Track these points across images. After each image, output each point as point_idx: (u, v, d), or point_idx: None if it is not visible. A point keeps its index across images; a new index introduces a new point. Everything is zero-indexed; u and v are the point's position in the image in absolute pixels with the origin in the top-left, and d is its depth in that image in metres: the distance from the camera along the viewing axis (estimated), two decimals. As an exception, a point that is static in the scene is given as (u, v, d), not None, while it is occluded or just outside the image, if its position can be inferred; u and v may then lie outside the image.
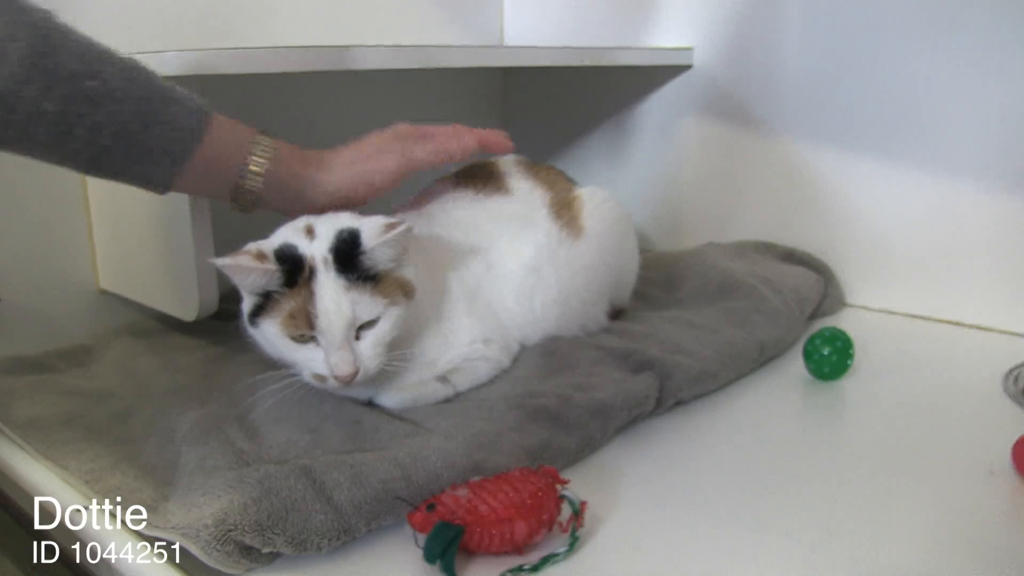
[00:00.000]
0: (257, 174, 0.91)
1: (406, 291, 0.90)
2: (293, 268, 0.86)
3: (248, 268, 0.85)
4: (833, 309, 1.37)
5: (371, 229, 0.89)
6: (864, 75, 1.35)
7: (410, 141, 1.00)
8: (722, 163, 1.56)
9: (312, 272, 0.86)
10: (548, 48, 1.31)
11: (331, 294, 0.85)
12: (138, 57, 0.87)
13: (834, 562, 0.71)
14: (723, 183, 1.57)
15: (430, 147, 1.00)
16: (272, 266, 0.86)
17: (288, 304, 0.86)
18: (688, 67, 1.57)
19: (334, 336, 0.85)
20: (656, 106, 1.65)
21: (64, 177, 1.24)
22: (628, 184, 1.68)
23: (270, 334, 0.87)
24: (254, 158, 0.91)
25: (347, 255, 0.87)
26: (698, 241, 1.57)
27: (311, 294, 0.85)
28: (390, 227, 0.88)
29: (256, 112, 1.45)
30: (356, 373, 0.86)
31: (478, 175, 1.13)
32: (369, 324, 0.88)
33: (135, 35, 1.23)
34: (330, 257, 0.87)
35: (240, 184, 0.91)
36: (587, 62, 1.38)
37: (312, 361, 0.87)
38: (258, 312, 0.88)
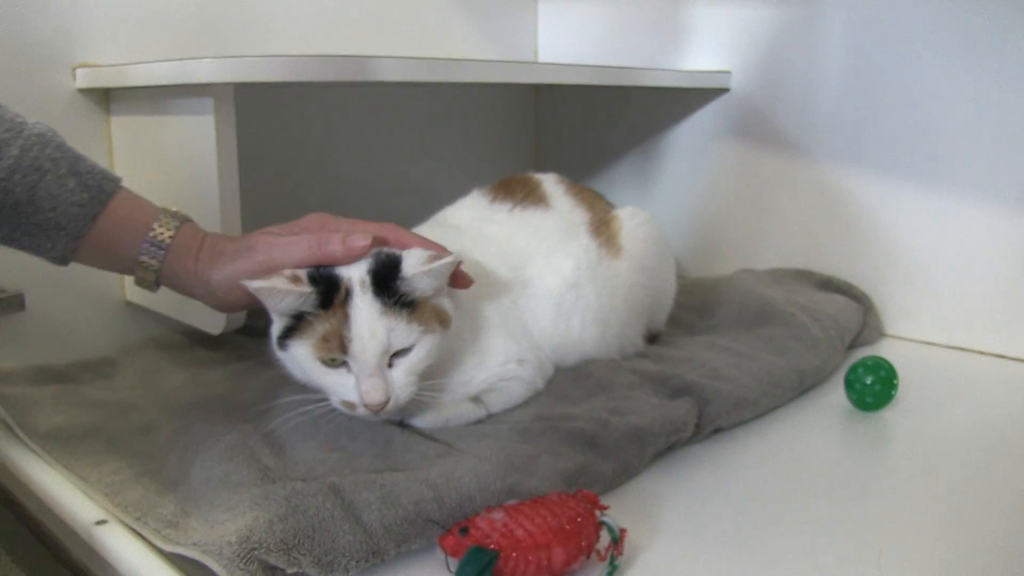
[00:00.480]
0: (150, 262, 0.88)
1: (442, 320, 0.87)
2: (328, 289, 0.83)
3: (283, 291, 0.82)
4: (872, 339, 1.34)
5: (414, 257, 0.86)
6: (904, 100, 1.32)
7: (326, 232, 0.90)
8: (757, 188, 1.54)
9: (348, 294, 0.83)
10: (581, 66, 1.29)
11: (367, 318, 0.82)
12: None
13: None
14: (758, 209, 1.54)
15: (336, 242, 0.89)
16: (307, 288, 0.82)
17: (321, 327, 0.82)
18: (725, 90, 1.55)
19: (367, 362, 0.82)
20: (690, 130, 1.62)
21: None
22: (660, 208, 1.65)
23: (300, 357, 0.84)
24: (149, 247, 0.87)
25: (385, 278, 0.84)
26: (731, 268, 1.54)
27: (346, 317, 0.82)
28: (434, 258, 0.85)
29: (285, 127, 1.46)
30: (387, 402, 0.83)
31: (517, 188, 1.11)
32: (403, 352, 0.84)
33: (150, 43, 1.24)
34: (368, 279, 0.84)
35: (139, 264, 0.88)
36: (622, 82, 1.35)
37: (342, 387, 0.84)
38: (288, 335, 0.84)
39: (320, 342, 0.82)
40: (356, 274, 0.84)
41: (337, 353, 0.82)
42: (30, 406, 0.99)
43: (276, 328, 0.86)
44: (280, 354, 0.87)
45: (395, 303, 0.83)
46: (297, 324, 0.84)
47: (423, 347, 0.85)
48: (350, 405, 0.84)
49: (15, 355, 1.15)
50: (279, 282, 0.82)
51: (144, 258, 0.87)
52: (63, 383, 1.09)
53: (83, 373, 1.13)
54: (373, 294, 0.83)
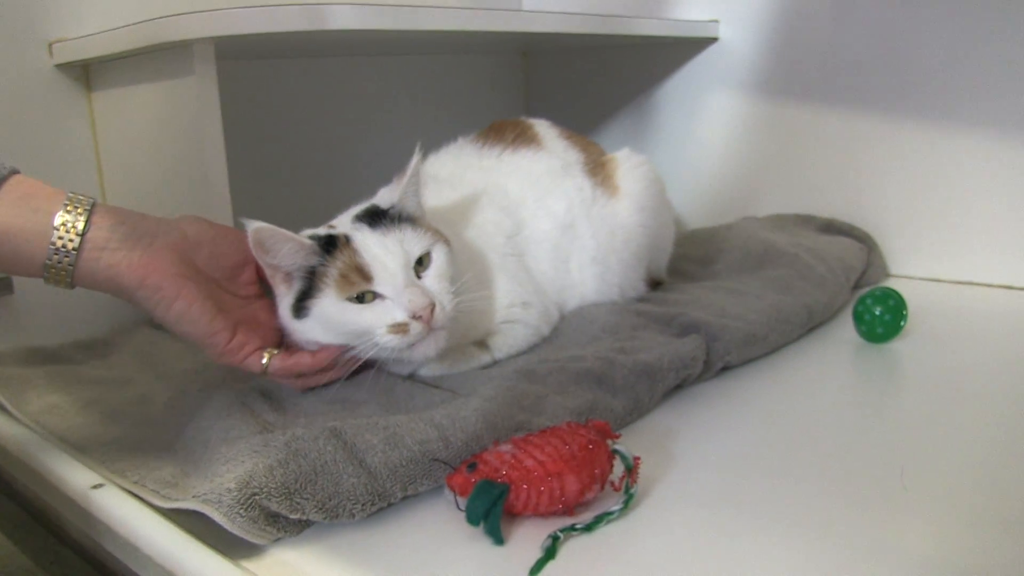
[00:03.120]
0: (62, 256, 0.73)
1: (442, 235, 0.86)
2: (329, 241, 0.82)
3: (284, 237, 0.80)
4: (877, 278, 1.31)
5: (384, 191, 0.87)
6: (901, 36, 1.29)
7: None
8: (753, 137, 1.51)
9: (347, 239, 0.82)
10: (568, 14, 1.26)
11: (375, 241, 0.81)
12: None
13: (890, 528, 0.64)
14: (755, 157, 1.52)
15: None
16: (308, 242, 0.81)
17: (335, 268, 0.80)
18: (714, 40, 1.52)
19: (396, 277, 0.80)
20: (681, 83, 1.60)
21: (81, 169, 1.21)
22: (656, 163, 1.61)
23: (327, 310, 0.81)
24: (59, 231, 0.72)
25: (374, 215, 0.84)
26: (731, 218, 1.51)
27: (355, 251, 0.81)
28: (400, 175, 0.85)
29: (276, 97, 1.44)
30: (433, 306, 0.80)
31: (507, 131, 1.08)
32: (423, 264, 0.83)
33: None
34: (360, 223, 0.84)
35: (49, 263, 0.73)
36: (611, 31, 1.32)
37: (384, 314, 0.80)
38: (305, 297, 0.82)
39: (341, 281, 0.80)
40: (345, 227, 0.84)
41: (362, 283, 0.80)
42: (23, 385, 0.96)
43: (288, 299, 0.83)
44: (300, 325, 0.83)
45: (393, 223, 0.83)
46: (311, 282, 0.81)
47: (440, 253, 0.84)
48: (401, 327, 0.80)
49: (5, 338, 1.12)
50: (282, 232, 0.80)
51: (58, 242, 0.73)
52: (57, 363, 1.06)
53: (77, 353, 1.11)
54: (370, 227, 0.83)
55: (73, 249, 0.73)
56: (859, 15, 1.33)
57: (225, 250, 0.83)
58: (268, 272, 0.83)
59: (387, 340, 0.80)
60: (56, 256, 0.72)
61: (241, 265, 0.85)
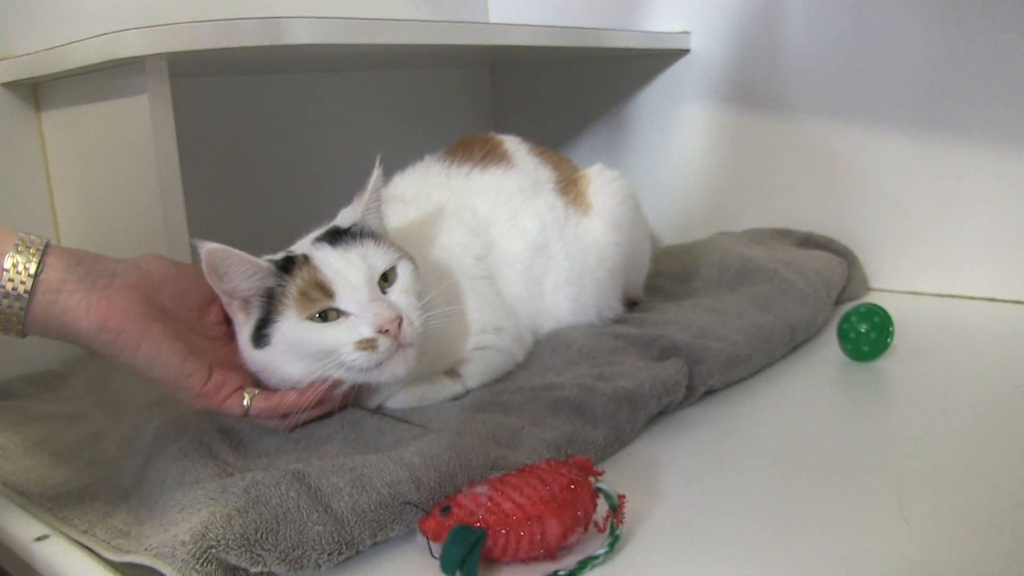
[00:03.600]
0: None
1: (408, 253, 0.82)
2: (286, 261, 0.78)
3: (238, 258, 0.75)
4: (858, 293, 1.28)
5: (346, 211, 0.83)
6: (876, 45, 1.27)
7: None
8: (728, 150, 1.48)
9: (307, 258, 0.78)
10: (537, 27, 1.22)
11: (337, 257, 0.78)
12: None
13: (883, 552, 0.61)
14: (730, 171, 1.49)
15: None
16: (264, 263, 0.77)
17: (294, 286, 0.76)
18: (686, 51, 1.50)
19: (359, 291, 0.76)
20: (654, 95, 1.57)
21: (30, 192, 1.16)
22: (630, 178, 1.58)
23: (289, 332, 0.76)
24: (8, 273, 0.67)
25: (335, 234, 0.80)
26: (708, 233, 1.48)
27: (314, 268, 0.77)
28: (360, 195, 0.83)
29: (234, 115, 1.39)
30: (401, 320, 0.75)
31: (475, 148, 1.04)
32: (389, 279, 0.79)
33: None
34: (320, 243, 0.80)
35: None
36: (580, 43, 1.29)
37: (350, 330, 0.75)
38: (266, 323, 0.77)
39: (301, 300, 0.76)
40: (304, 248, 0.80)
41: (324, 299, 0.76)
42: (-32, 424, 0.91)
43: (248, 329, 0.78)
44: (261, 355, 0.78)
45: (354, 239, 0.80)
46: (270, 304, 0.77)
47: (405, 268, 0.81)
48: (368, 343, 0.75)
49: (-49, 374, 1.07)
50: (236, 252, 0.75)
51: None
52: (4, 399, 1.01)
53: (27, 388, 1.06)
54: (331, 246, 0.79)
55: (25, 292, 0.67)
56: (833, 24, 1.31)
57: (189, 288, 0.78)
58: (225, 300, 0.78)
59: (354, 358, 0.75)
60: (6, 300, 0.67)
61: (207, 304, 0.80)
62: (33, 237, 0.69)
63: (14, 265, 0.67)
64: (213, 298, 0.80)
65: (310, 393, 0.77)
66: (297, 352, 0.76)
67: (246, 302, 0.78)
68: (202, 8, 1.24)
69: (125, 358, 0.71)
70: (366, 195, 0.82)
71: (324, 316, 0.76)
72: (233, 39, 0.89)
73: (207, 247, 0.73)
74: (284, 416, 0.78)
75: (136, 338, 0.71)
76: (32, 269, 0.67)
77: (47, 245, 0.69)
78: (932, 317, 1.19)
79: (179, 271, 0.78)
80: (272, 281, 0.77)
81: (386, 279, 0.79)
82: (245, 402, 0.76)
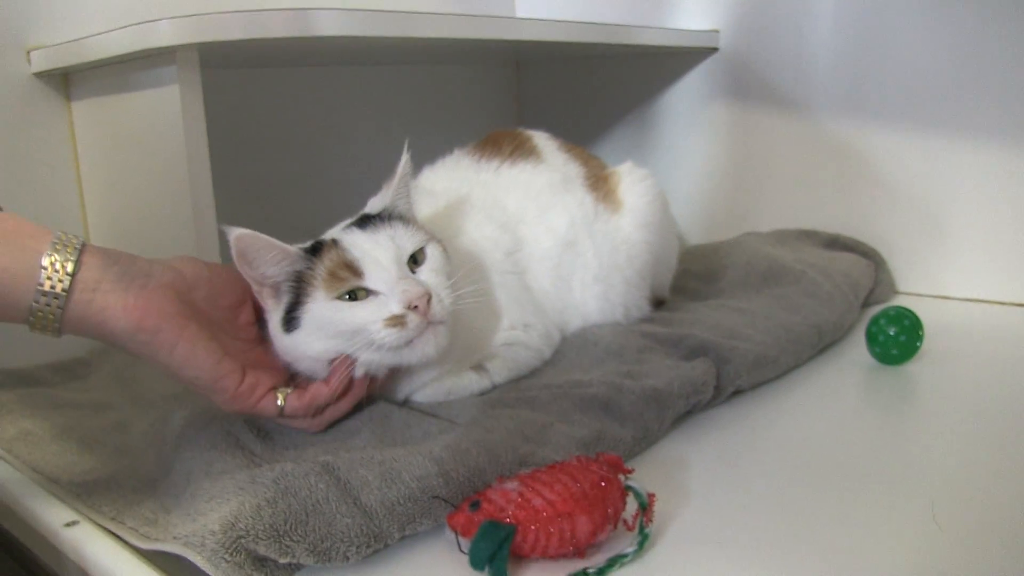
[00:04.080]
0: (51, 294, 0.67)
1: (437, 237, 0.83)
2: (315, 246, 0.78)
3: (267, 243, 0.75)
4: (885, 296, 1.27)
5: (374, 200, 0.84)
6: (904, 46, 1.26)
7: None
8: (755, 150, 1.47)
9: (335, 241, 0.78)
10: (563, 22, 1.21)
11: (365, 238, 0.78)
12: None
13: (914, 558, 0.60)
14: (757, 170, 1.48)
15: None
16: (292, 248, 0.77)
17: (322, 267, 0.76)
18: (714, 50, 1.49)
19: (388, 270, 0.76)
20: (681, 94, 1.56)
21: (60, 181, 1.16)
22: (655, 177, 1.59)
23: (318, 312, 0.75)
24: (46, 271, 0.66)
25: (364, 220, 0.81)
26: (734, 233, 1.47)
27: (343, 250, 0.77)
28: (389, 183, 0.83)
29: (263, 107, 1.39)
30: (429, 297, 0.75)
31: (504, 143, 1.04)
32: (417, 260, 0.79)
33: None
34: (350, 228, 0.80)
35: (35, 305, 0.67)
36: (608, 40, 1.28)
37: (378, 309, 0.75)
38: (296, 306, 0.76)
39: (330, 280, 0.75)
40: (334, 233, 0.80)
41: (352, 278, 0.75)
42: (-5, 410, 0.91)
43: (278, 314, 0.78)
44: (291, 339, 0.77)
45: (383, 222, 0.80)
46: (299, 287, 0.77)
47: (435, 250, 0.81)
48: (397, 320, 0.74)
49: (-22, 361, 1.07)
50: (264, 238, 0.75)
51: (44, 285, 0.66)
52: (31, 386, 1.02)
53: (53, 375, 1.06)
54: (359, 229, 0.79)
55: (63, 291, 0.66)
56: (861, 26, 1.30)
57: (222, 289, 0.78)
58: (255, 288, 0.78)
59: (384, 335, 0.74)
60: (44, 299, 0.66)
61: (239, 305, 0.80)
62: (70, 236, 0.68)
63: (52, 264, 0.66)
64: (245, 300, 0.80)
65: (334, 379, 0.76)
66: (327, 333, 0.76)
67: (276, 288, 0.78)
68: (233, -1, 1.25)
69: (161, 358, 0.71)
70: (395, 180, 0.82)
71: (354, 296, 0.76)
72: (263, 30, 0.89)
73: (236, 232, 0.73)
74: (316, 415, 0.78)
75: (172, 338, 0.70)
76: (70, 268, 0.67)
77: (83, 244, 0.68)
78: (961, 322, 1.18)
79: (212, 272, 0.78)
80: (301, 264, 0.77)
81: (415, 261, 0.79)
82: (279, 402, 0.76)
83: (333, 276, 0.75)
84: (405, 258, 0.78)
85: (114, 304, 0.68)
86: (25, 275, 0.65)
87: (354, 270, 0.76)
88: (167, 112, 0.96)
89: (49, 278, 0.66)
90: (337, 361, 0.77)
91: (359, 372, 0.78)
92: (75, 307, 0.67)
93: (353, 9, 0.95)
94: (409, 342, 0.76)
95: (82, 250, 0.68)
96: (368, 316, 0.75)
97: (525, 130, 1.07)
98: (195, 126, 0.95)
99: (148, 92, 0.99)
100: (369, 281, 0.76)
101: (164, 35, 0.89)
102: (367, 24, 0.97)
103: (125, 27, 0.93)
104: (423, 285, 0.76)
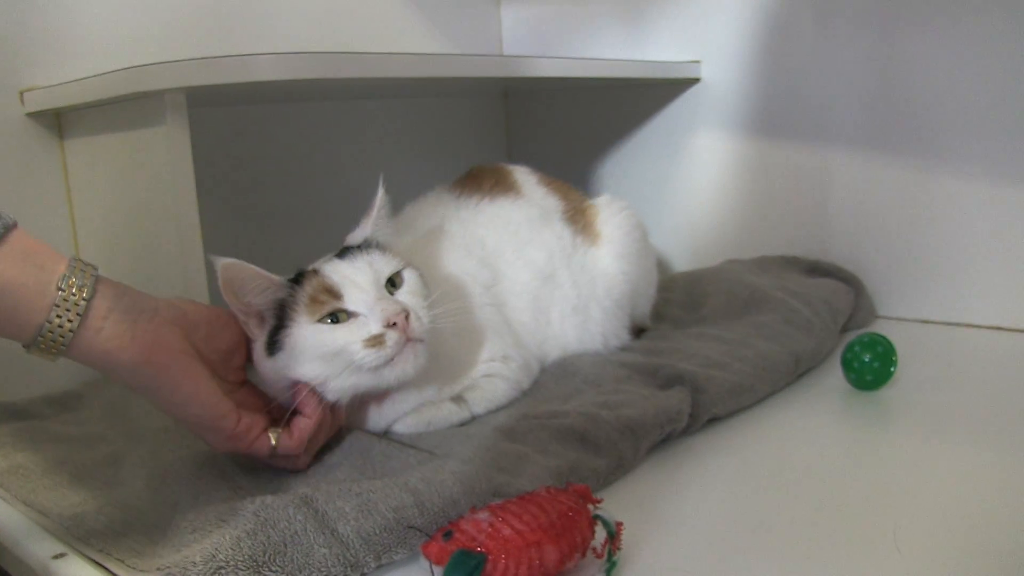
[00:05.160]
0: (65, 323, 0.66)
1: (414, 264, 0.86)
2: (297, 275, 0.82)
3: (252, 272, 0.78)
4: (865, 321, 1.30)
5: (355, 232, 0.87)
6: (885, 76, 1.29)
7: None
8: (737, 178, 1.50)
9: (316, 270, 0.81)
10: (551, 58, 1.25)
11: (344, 265, 0.81)
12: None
13: None
14: (739, 199, 1.50)
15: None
16: (276, 277, 0.80)
17: (304, 293, 0.79)
18: (696, 80, 1.52)
19: (367, 291, 0.79)
20: (664, 124, 1.59)
21: (53, 219, 1.19)
22: (639, 206, 1.60)
23: (300, 336, 0.78)
24: (63, 293, 0.66)
25: (344, 250, 0.84)
26: (717, 260, 1.49)
27: (323, 276, 0.80)
28: (369, 214, 0.87)
29: (250, 143, 1.42)
30: (408, 315, 0.78)
31: (485, 179, 1.07)
32: (395, 284, 0.83)
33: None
34: (330, 257, 0.84)
35: (49, 325, 0.66)
36: (592, 73, 1.31)
37: (358, 330, 0.78)
38: (278, 331, 0.79)
39: (311, 304, 0.78)
40: (316, 265, 0.83)
41: (332, 301, 0.78)
42: (-11, 444, 0.93)
43: (262, 340, 0.81)
44: (273, 362, 0.80)
45: (361, 250, 0.84)
46: (281, 314, 0.80)
47: (412, 274, 0.84)
48: (377, 339, 0.77)
49: (-28, 394, 1.09)
50: (250, 267, 0.78)
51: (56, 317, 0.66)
52: (24, 420, 1.03)
53: (46, 408, 1.08)
54: (338, 259, 0.83)
55: (77, 315, 0.66)
56: (842, 53, 1.33)
57: (220, 332, 0.80)
58: (242, 320, 0.81)
59: (364, 356, 0.77)
60: (57, 320, 0.65)
61: (234, 349, 0.82)
62: (86, 263, 0.68)
63: (70, 287, 0.66)
64: (240, 343, 0.82)
65: (307, 408, 0.78)
66: (308, 355, 0.78)
67: (261, 316, 0.81)
68: (217, 38, 1.28)
69: (163, 394, 0.71)
70: (373, 212, 0.86)
71: (335, 319, 0.79)
72: (247, 74, 0.92)
73: (223, 262, 0.76)
74: (300, 452, 0.79)
75: (178, 375, 0.71)
76: (86, 293, 0.66)
77: (98, 272, 0.69)
78: (938, 346, 1.20)
79: (212, 314, 0.79)
80: (284, 292, 0.80)
81: (393, 284, 0.83)
82: (272, 442, 0.77)
83: (314, 300, 0.78)
84: (383, 281, 0.81)
85: (121, 335, 0.68)
86: (40, 294, 0.65)
87: (334, 293, 0.79)
88: (155, 152, 0.99)
89: (66, 300, 0.66)
90: (299, 387, 0.79)
91: (332, 398, 0.80)
92: (86, 333, 0.67)
93: (337, 52, 0.99)
94: (389, 360, 0.78)
95: (97, 278, 0.68)
96: (348, 337, 0.78)
97: (506, 165, 1.10)
98: (182, 164, 0.98)
99: (137, 132, 1.02)
100: (349, 303, 0.79)
101: (153, 79, 0.92)
102: (351, 66, 1.01)
103: (115, 71, 0.96)
104: (400, 303, 0.79)
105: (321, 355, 0.78)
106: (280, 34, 1.40)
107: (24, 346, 0.68)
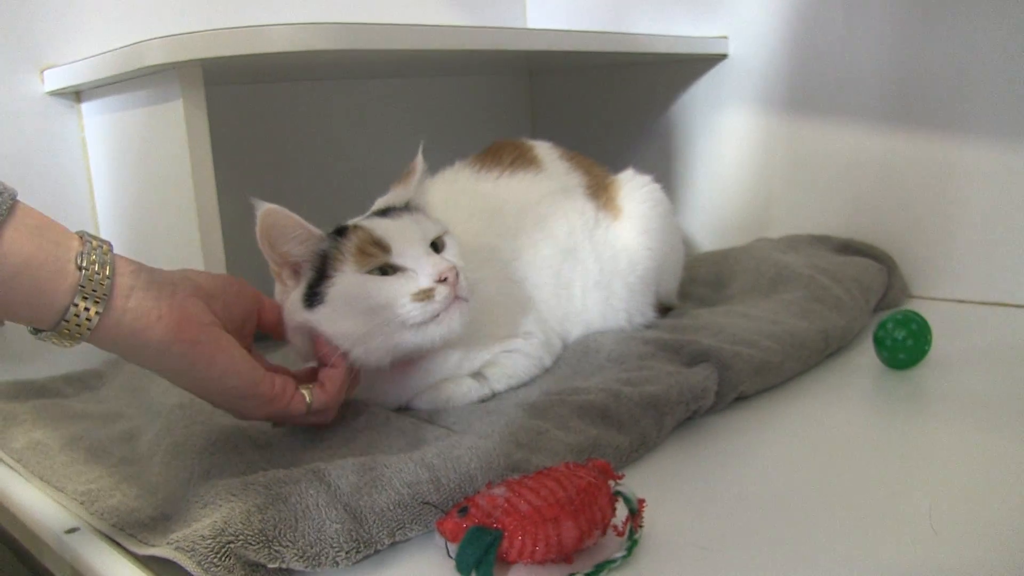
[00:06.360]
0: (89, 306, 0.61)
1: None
2: (339, 229, 0.81)
3: (295, 222, 0.78)
4: (898, 301, 1.26)
5: (388, 196, 0.88)
6: (917, 50, 1.25)
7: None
8: (765, 155, 1.47)
9: (358, 226, 0.81)
10: (573, 32, 1.22)
11: (390, 221, 0.81)
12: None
13: (909, 562, 0.59)
14: (768, 176, 1.47)
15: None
16: (318, 231, 0.80)
17: (350, 244, 0.79)
18: (723, 56, 1.49)
19: (416, 246, 0.79)
20: (691, 101, 1.56)
21: (73, 195, 1.18)
22: (667, 183, 1.58)
23: (347, 286, 0.77)
24: (87, 272, 0.61)
25: (388, 210, 0.84)
26: (746, 240, 1.46)
27: (369, 230, 0.80)
28: (406, 173, 0.88)
29: (272, 121, 1.41)
30: (456, 271, 0.78)
31: (505, 153, 1.05)
32: (436, 247, 0.82)
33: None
34: (369, 214, 0.84)
35: (74, 307, 0.60)
36: (617, 48, 1.29)
37: (407, 283, 0.78)
38: (319, 282, 0.78)
39: (359, 256, 0.78)
40: (358, 220, 0.83)
41: (381, 254, 0.78)
42: (9, 421, 0.93)
43: (299, 290, 0.80)
44: (313, 314, 0.78)
45: (404, 211, 0.84)
46: (323, 265, 0.79)
47: (452, 239, 0.84)
48: (425, 293, 0.77)
49: (-5, 372, 1.09)
50: (293, 216, 0.78)
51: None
52: (45, 397, 1.03)
53: (66, 387, 1.08)
54: (380, 216, 0.83)
55: (104, 295, 0.60)
56: (872, 28, 1.29)
57: (235, 300, 0.76)
58: (274, 268, 0.81)
59: (411, 310, 0.76)
60: (84, 303, 0.59)
61: (247, 316, 0.79)
62: (94, 237, 0.62)
63: (91, 263, 0.60)
64: (252, 311, 0.80)
65: (334, 359, 0.77)
66: (353, 307, 0.77)
67: (296, 267, 0.81)
68: (235, 14, 1.27)
69: (199, 370, 0.67)
70: (416, 176, 0.86)
71: (382, 271, 0.78)
72: (262, 45, 0.91)
73: (265, 207, 0.75)
74: (325, 406, 0.78)
75: (211, 348, 0.67)
76: (108, 271, 0.61)
77: (110, 246, 0.63)
78: (973, 325, 1.16)
79: (226, 282, 0.76)
80: (326, 244, 0.79)
81: (435, 247, 0.82)
82: (308, 399, 0.76)
83: (362, 252, 0.78)
84: (428, 240, 0.81)
85: (148, 312, 0.63)
86: (59, 273, 0.59)
87: (383, 246, 0.78)
88: (173, 127, 0.98)
89: (91, 279, 0.60)
90: (320, 340, 0.79)
91: (372, 361, 0.80)
92: (112, 314, 0.61)
93: (353, 23, 0.96)
94: (435, 316, 0.77)
95: (111, 253, 0.63)
96: (397, 290, 0.77)
97: (528, 140, 1.07)
98: (200, 140, 0.97)
99: (154, 108, 1.01)
100: (397, 257, 0.78)
101: (167, 52, 0.91)
102: (369, 37, 0.99)
103: (130, 45, 0.95)
104: (450, 260, 0.79)
105: (367, 308, 0.77)
106: (297, 12, 1.39)
107: (35, 331, 0.62)
